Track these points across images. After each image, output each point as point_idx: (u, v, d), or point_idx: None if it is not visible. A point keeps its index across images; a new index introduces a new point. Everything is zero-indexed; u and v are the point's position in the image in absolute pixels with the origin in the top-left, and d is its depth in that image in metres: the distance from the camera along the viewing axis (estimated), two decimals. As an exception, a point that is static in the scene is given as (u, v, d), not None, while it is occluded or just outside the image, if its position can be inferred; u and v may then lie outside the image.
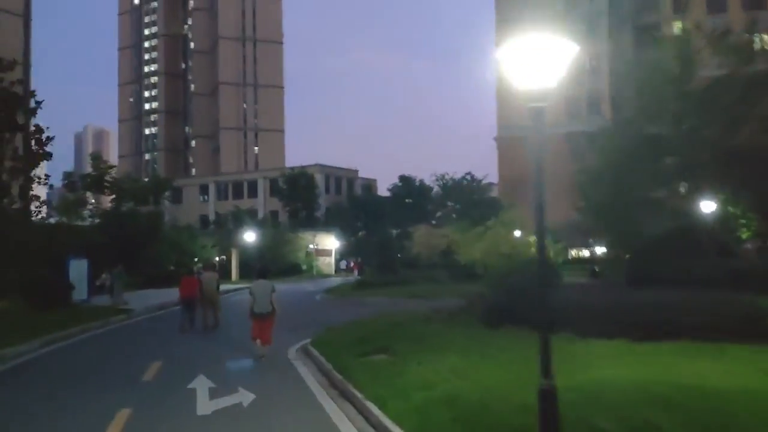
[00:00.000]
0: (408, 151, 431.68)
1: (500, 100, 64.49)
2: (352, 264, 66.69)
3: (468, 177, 48.54)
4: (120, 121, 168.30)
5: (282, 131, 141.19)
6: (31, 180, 26.46)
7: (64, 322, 17.21)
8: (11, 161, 24.51)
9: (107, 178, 46.42)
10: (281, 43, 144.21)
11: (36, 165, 26.15)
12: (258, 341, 13.13)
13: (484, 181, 50.07)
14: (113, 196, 46.85)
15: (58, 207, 45.90)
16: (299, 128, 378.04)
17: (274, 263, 51.63)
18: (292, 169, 78.77)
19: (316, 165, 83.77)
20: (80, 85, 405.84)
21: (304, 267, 60.67)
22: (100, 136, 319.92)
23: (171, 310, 24.61)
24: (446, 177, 46.81)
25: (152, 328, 19.80)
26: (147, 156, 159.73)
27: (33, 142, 25.73)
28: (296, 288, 40.49)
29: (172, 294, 33.79)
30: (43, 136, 25.72)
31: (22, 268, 21.51)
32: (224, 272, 57.28)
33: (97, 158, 46.58)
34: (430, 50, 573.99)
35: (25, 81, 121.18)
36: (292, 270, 57.18)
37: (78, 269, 25.93)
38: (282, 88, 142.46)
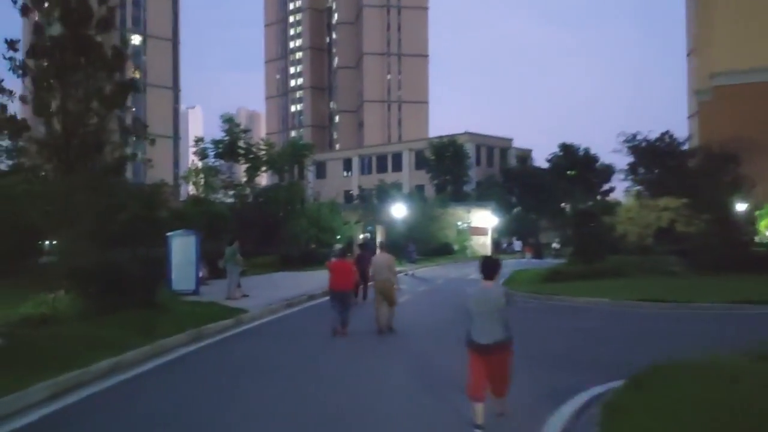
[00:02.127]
0: (561, 124, 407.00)
1: (702, 48, 53.46)
2: (519, 244, 58.80)
3: (667, 137, 38.71)
4: (267, 98, 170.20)
5: (426, 102, 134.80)
6: (126, 130, 21.26)
7: (111, 338, 10.86)
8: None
9: (240, 144, 41.79)
10: (426, 8, 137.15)
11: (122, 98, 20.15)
12: (478, 400, 6.49)
13: (684, 145, 39.93)
14: (248, 165, 42.21)
15: (184, 176, 42.32)
16: (445, 101, 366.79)
17: (423, 243, 45.20)
18: (440, 138, 71.67)
19: (465, 134, 76.24)
20: (233, 70, 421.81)
21: (456, 247, 53.70)
22: (251, 118, 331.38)
23: (305, 308, 18.64)
24: (638, 137, 37.18)
25: (270, 351, 11.79)
26: (293, 133, 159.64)
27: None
28: (454, 274, 33.57)
29: (309, 280, 28.19)
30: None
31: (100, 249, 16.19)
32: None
33: (229, 120, 41.97)
34: (577, 19, 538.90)
35: (175, 65, 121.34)
36: (443, 250, 50.44)
37: (183, 249, 20.57)
38: (426, 56, 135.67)
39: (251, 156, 42.28)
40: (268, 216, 42.18)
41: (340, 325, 13.18)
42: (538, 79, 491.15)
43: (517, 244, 59.09)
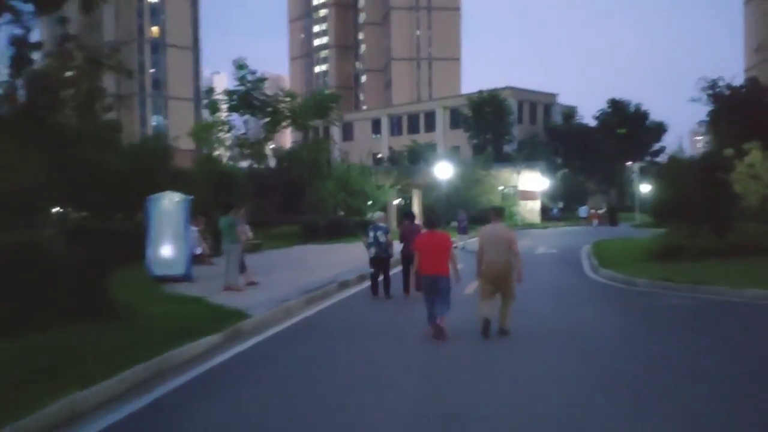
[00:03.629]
0: (606, 82, 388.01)
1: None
2: (584, 210, 52.43)
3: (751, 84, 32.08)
4: (291, 59, 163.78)
5: (458, 60, 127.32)
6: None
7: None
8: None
9: (256, 94, 35.97)
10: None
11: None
12: None
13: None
14: (266, 119, 36.48)
15: (191, 133, 36.76)
16: (479, 59, 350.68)
17: (464, 208, 39.41)
18: (480, 92, 65.04)
19: (507, 88, 69.50)
20: (258, 35, 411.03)
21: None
22: (276, 82, 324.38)
23: (337, 303, 13.07)
24: (719, 83, 30.52)
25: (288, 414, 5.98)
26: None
27: None
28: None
29: (338, 256, 21.94)
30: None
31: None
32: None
33: (242, 67, 36.11)
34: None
35: (195, 24, 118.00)
36: (487, 218, 44.35)
37: (168, 218, 15.04)
38: (458, 10, 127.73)
39: (269, 109, 36.53)
40: (290, 179, 36.75)
41: (434, 321, 9.40)
42: (581, 33, 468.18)
43: (583, 210, 52.79)
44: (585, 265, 19.94)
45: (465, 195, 44.05)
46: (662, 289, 13.65)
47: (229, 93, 36.48)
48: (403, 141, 75.51)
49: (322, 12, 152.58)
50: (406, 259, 13.38)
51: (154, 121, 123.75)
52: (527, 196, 49.78)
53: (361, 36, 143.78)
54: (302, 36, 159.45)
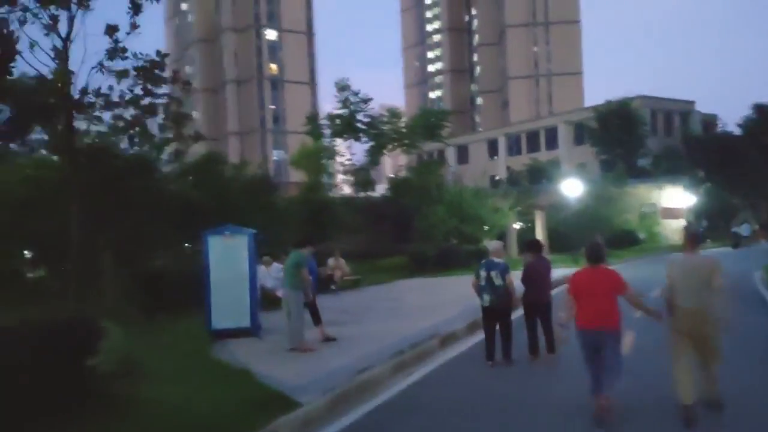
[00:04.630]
0: (745, 91, 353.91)
1: None
2: (746, 228, 45.48)
3: None
4: (406, 87, 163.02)
5: (580, 74, 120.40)
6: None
7: None
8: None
9: (360, 117, 33.26)
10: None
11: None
12: None
13: None
14: (371, 143, 33.66)
15: (293, 161, 34.55)
16: (602, 73, 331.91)
17: (596, 232, 34.51)
18: (608, 102, 59.25)
19: (638, 97, 63.19)
20: (369, 67, 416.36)
21: (642, 235, 41.98)
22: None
23: (435, 370, 9.40)
24: None
25: None
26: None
27: None
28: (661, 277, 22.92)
29: (444, 295, 18.12)
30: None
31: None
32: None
33: (344, 88, 33.54)
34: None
35: (311, 59, 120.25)
36: (625, 240, 39.20)
37: (229, 258, 12.08)
38: (578, 22, 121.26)
39: (374, 132, 33.71)
40: (400, 206, 33.67)
41: (600, 394, 6.53)
42: (716, 36, 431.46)
43: (745, 228, 45.92)
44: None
45: (597, 215, 38.99)
46: None
47: (331, 117, 34.08)
48: (523, 161, 70.75)
49: (437, 37, 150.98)
50: (532, 308, 9.60)
51: (275, 155, 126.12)
52: (671, 214, 43.73)
53: (475, 58, 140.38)
54: (417, 63, 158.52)
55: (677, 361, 6.47)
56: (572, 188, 31.76)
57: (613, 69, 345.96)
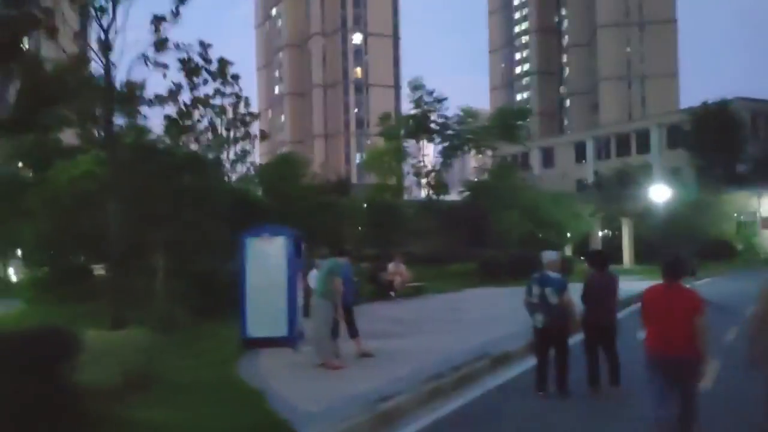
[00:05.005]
0: None
1: None
2: None
3: None
4: (491, 90, 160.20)
5: (674, 75, 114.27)
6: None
7: None
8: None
9: (434, 117, 32.01)
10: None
11: None
12: None
13: None
14: (445, 143, 32.35)
15: (364, 163, 33.70)
16: (699, 75, 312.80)
17: (690, 242, 31.83)
18: (705, 104, 55.34)
19: (737, 98, 58.86)
20: (455, 73, 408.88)
21: (739, 247, 38.67)
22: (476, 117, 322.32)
23: (480, 398, 8.18)
24: None
25: None
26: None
27: None
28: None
29: (514, 305, 16.94)
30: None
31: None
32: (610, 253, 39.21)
33: (417, 87, 32.40)
34: None
35: (396, 63, 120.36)
36: (719, 252, 36.08)
37: (267, 263, 11.25)
38: (673, 22, 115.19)
39: (449, 132, 32.42)
40: (475, 210, 32.29)
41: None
42: None
43: None
44: None
45: (689, 224, 36.15)
46: None
47: (404, 118, 33.06)
48: (612, 165, 67.42)
49: (524, 39, 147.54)
50: (593, 331, 8.21)
51: (357, 158, 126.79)
52: (772, 224, 40.18)
53: (564, 59, 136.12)
54: (503, 65, 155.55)
55: None
56: (660, 194, 29.38)
57: (710, 71, 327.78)
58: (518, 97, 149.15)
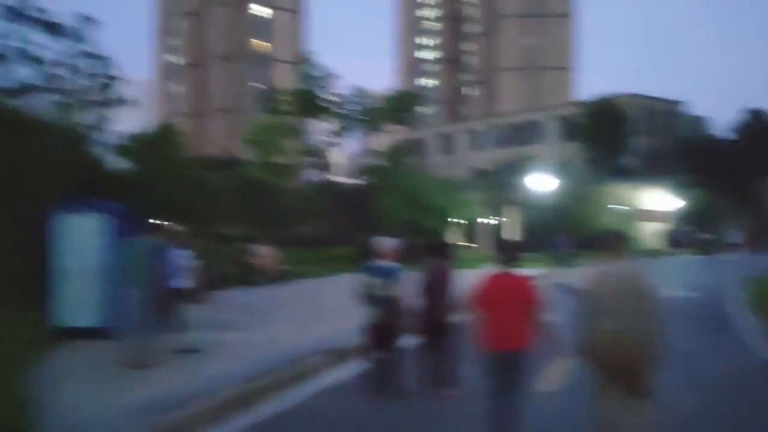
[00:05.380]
0: (739, 94, 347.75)
1: None
2: (738, 236, 43.80)
3: None
4: (396, 76, 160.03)
5: (571, 69, 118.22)
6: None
7: None
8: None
9: (321, 94, 30.69)
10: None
11: None
12: None
13: None
14: (337, 123, 31.14)
15: (244, 139, 31.89)
16: (594, 72, 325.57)
17: (572, 232, 32.41)
18: (596, 98, 56.97)
19: (627, 95, 61.12)
20: (363, 55, 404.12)
21: (618, 237, 39.82)
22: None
23: (302, 403, 7.04)
24: None
25: None
26: (421, 109, 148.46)
27: None
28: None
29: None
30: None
31: None
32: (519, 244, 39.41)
33: (306, 62, 30.98)
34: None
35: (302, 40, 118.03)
36: (602, 243, 36.86)
37: (82, 243, 9.76)
38: (570, 16, 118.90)
39: (337, 112, 31.24)
40: (359, 193, 31.47)
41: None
42: (713, 42, 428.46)
43: (736, 236, 44.25)
44: (744, 325, 12.85)
45: (573, 215, 36.92)
46: None
47: (290, 93, 31.53)
48: (508, 154, 68.61)
49: (430, 25, 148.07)
50: (432, 326, 7.33)
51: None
52: (651, 217, 41.72)
53: (467, 48, 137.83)
54: (408, 51, 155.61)
55: (602, 403, 4.80)
56: (539, 183, 29.55)
57: (607, 67, 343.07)
58: (423, 83, 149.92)
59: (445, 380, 7.21)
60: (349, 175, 34.00)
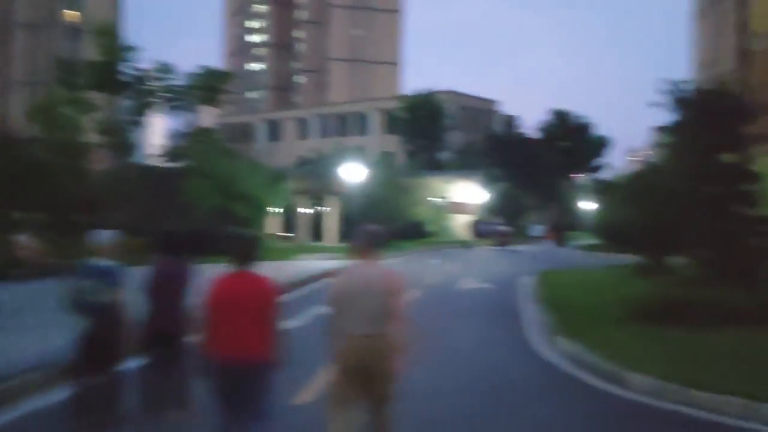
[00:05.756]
0: (547, 100, 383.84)
1: None
2: (540, 229, 46.53)
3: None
4: (225, 57, 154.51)
5: (396, 64, 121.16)
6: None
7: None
8: None
9: (121, 69, 28.02)
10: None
11: None
12: None
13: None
14: (138, 100, 28.56)
15: (29, 114, 28.37)
16: (421, 72, 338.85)
17: (388, 222, 32.62)
18: (417, 93, 58.40)
19: (445, 91, 63.33)
20: (189, 36, 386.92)
21: (431, 228, 40.98)
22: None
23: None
24: (682, 88, 23.28)
25: None
26: (253, 95, 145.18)
27: None
28: (434, 275, 20.82)
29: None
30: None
31: None
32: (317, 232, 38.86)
33: (105, 33, 28.16)
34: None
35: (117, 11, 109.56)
36: (412, 232, 37.97)
37: None
38: (398, 12, 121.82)
39: (142, 87, 28.68)
40: (170, 177, 29.21)
41: None
42: (527, 54, 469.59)
43: (538, 228, 47.13)
44: (529, 318, 13.01)
45: (389, 205, 37.22)
46: (686, 404, 6.62)
47: (86, 65, 28.48)
48: (334, 144, 68.57)
49: (259, 8, 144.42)
50: (158, 338, 6.12)
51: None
52: (461, 209, 43.36)
53: (298, 35, 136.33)
54: (237, 32, 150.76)
55: (335, 410, 4.51)
56: (353, 173, 29.32)
57: (434, 65, 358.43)
58: (252, 67, 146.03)
59: (175, 401, 6.07)
60: (158, 159, 31.54)
